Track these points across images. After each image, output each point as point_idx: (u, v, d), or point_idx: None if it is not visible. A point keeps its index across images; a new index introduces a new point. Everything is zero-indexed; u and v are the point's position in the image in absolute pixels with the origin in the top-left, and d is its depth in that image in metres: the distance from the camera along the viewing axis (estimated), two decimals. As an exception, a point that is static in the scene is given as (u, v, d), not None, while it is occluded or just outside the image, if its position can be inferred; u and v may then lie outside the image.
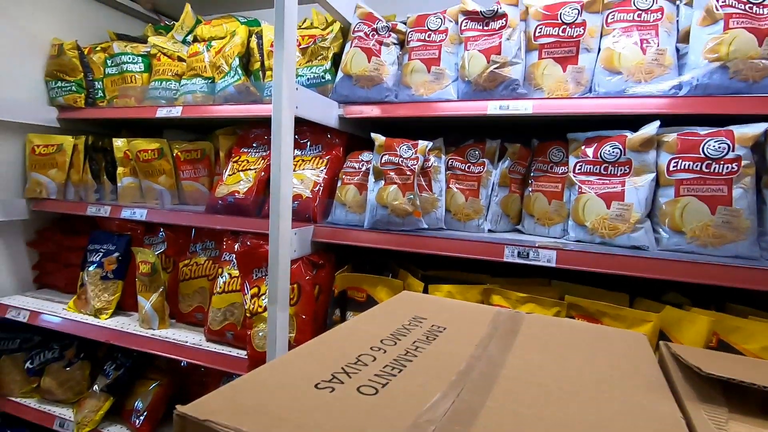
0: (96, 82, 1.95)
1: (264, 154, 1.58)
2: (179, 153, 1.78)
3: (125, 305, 1.66)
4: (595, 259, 1.05)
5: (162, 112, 1.68)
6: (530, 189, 1.36)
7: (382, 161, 1.30)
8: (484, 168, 1.36)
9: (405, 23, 1.48)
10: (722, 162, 1.04)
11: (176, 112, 1.65)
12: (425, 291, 1.17)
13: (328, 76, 1.50)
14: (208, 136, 1.86)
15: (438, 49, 1.38)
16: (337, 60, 1.52)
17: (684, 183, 1.08)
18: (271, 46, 1.67)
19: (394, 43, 1.45)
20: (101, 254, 1.63)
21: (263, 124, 1.55)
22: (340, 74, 1.43)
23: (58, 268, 1.86)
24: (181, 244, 1.64)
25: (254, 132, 1.64)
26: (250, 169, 1.53)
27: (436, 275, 1.25)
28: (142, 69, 1.93)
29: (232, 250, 1.44)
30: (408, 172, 1.27)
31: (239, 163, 1.56)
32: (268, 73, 1.67)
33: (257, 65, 1.69)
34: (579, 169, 1.23)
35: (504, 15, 1.27)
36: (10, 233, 1.83)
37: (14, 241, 1.84)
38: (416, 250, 1.20)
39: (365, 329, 0.71)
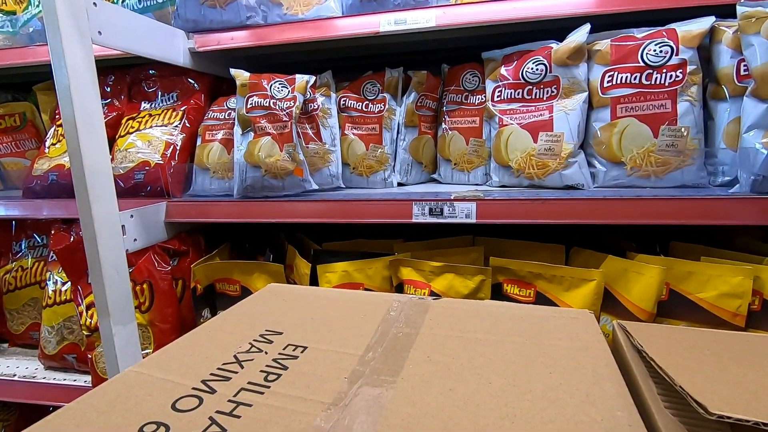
0: None
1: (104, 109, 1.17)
2: (-14, 121, 1.31)
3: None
4: (523, 207, 0.82)
5: (-58, 65, 1.19)
6: (444, 127, 1.10)
7: (249, 105, 0.97)
8: (385, 105, 1.07)
9: None
10: (665, 70, 0.83)
11: (-38, 62, 1.17)
12: (313, 273, 0.89)
13: (166, -5, 1.09)
14: (29, 94, 1.39)
15: (309, -54, 1.02)
16: (178, -28, 1.11)
17: (622, 101, 0.86)
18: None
19: (252, -57, 1.07)
20: None
21: (100, 67, 1.14)
22: (180, -10, 1.04)
23: None
24: (-2, 245, 1.22)
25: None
26: (78, 134, 1.12)
27: (329, 250, 0.97)
28: None
29: (57, 245, 1.06)
30: (285, 118, 0.96)
31: (63, 126, 1.14)
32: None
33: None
34: (498, 96, 0.98)
35: None
36: None
37: None
38: (297, 220, 0.91)
39: (177, 363, 0.43)
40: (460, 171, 1.07)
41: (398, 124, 1.09)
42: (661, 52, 0.84)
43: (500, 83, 0.97)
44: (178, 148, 1.07)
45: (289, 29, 1.01)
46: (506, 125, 0.95)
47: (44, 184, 1.09)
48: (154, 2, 1.09)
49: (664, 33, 0.85)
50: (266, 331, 0.51)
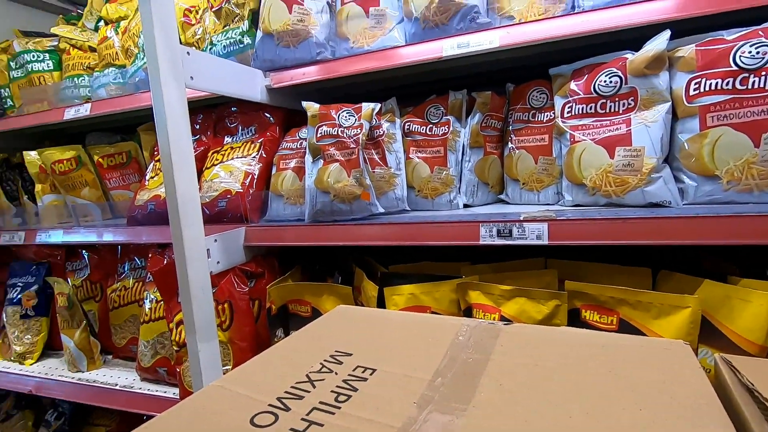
0: (1, 90, 1.68)
1: (194, 144, 1.30)
2: (100, 159, 1.51)
3: (56, 344, 1.41)
4: (600, 227, 0.77)
5: (70, 113, 1.41)
6: (510, 147, 1.07)
7: (319, 134, 1.02)
8: (449, 128, 1.08)
9: (332, -40, 1.18)
10: (764, 72, 0.75)
11: (85, 110, 1.38)
12: (380, 296, 0.90)
13: (247, 40, 1.21)
14: (134, 135, 1.59)
15: (374, -17, 1.08)
16: (256, 19, 1.22)
17: (712, 110, 0.79)
18: (184, 15, 1.39)
19: (321, -14, 1.15)
20: (19, 289, 1.39)
21: (191, 108, 1.29)
22: (259, 34, 1.14)
23: (-13, 308, 1.63)
24: (107, 267, 1.39)
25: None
26: (172, 167, 1.26)
27: (396, 272, 0.98)
28: (52, 67, 1.66)
29: (154, 267, 1.18)
30: (351, 145, 1.00)
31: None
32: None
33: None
34: (568, 112, 0.94)
35: None
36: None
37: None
38: (368, 243, 0.93)
39: (255, 380, 0.45)
40: (529, 191, 1.04)
41: (463, 145, 1.08)
42: (758, 53, 0.76)
43: (570, 99, 0.94)
44: (255, 177, 1.15)
45: (355, 61, 1.06)
46: (578, 141, 0.91)
47: (144, 213, 1.23)
48: (237, 47, 1.21)
49: (760, 33, 0.77)
50: (336, 352, 0.52)
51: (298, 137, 1.17)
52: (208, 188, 1.17)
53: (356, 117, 1.03)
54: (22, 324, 1.36)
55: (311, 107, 1.06)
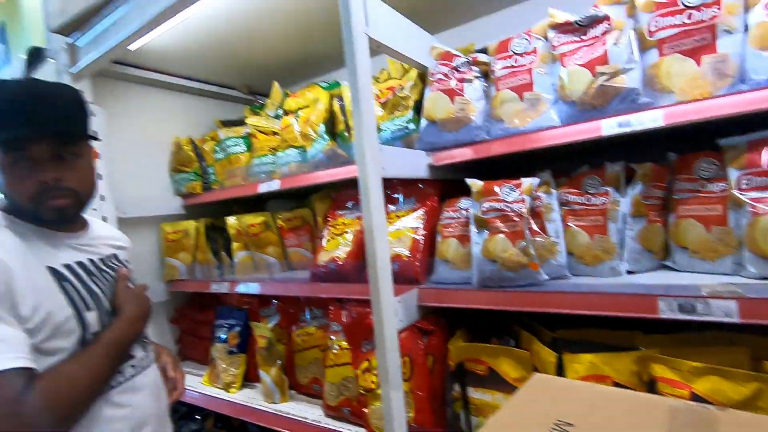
0: (209, 168, 2.16)
1: (359, 214, 1.55)
2: (282, 223, 1.85)
3: (251, 377, 1.72)
4: (803, 308, 0.76)
5: (263, 188, 1.77)
6: (676, 215, 1.08)
7: (483, 209, 1.16)
8: (608, 198, 1.13)
9: (485, 52, 1.35)
10: None
11: (275, 185, 1.72)
12: (559, 362, 0.96)
13: (411, 126, 1.43)
14: (306, 201, 1.92)
15: (528, 72, 1.22)
16: (418, 107, 1.44)
17: None
18: (353, 105, 1.68)
19: (477, 77, 1.33)
20: (225, 329, 1.73)
21: (354, 184, 1.54)
22: (423, 122, 1.35)
23: (195, 342, 2.04)
24: (291, 314, 1.67)
25: (347, 193, 1.63)
26: (347, 232, 1.50)
27: (568, 338, 1.04)
28: (245, 149, 2.09)
29: (338, 319, 1.40)
30: (515, 218, 1.11)
31: (336, 227, 1.55)
32: (353, 132, 1.66)
33: (342, 126, 1.70)
34: (747, 184, 0.94)
35: (605, 18, 1.07)
36: (155, 313, 2.07)
37: (159, 321, 2.07)
38: (539, 309, 1.02)
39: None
40: (701, 259, 1.03)
41: (623, 214, 1.13)
42: None
43: (748, 170, 0.94)
44: (421, 243, 1.32)
45: (513, 142, 1.19)
46: (762, 215, 0.90)
47: (325, 272, 1.48)
48: (403, 132, 1.44)
49: None
50: (558, 420, 0.61)
51: (458, 207, 1.32)
52: (380, 252, 1.37)
53: (518, 192, 1.15)
54: (228, 358, 1.69)
55: (475, 184, 1.20)
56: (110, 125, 1.89)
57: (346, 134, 1.68)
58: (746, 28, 0.97)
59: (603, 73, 1.06)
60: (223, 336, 1.73)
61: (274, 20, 1.77)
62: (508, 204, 1.13)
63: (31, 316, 0.79)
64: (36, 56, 1.97)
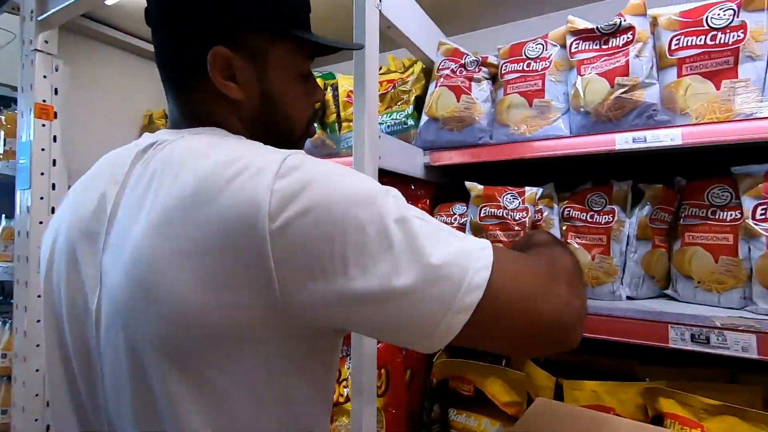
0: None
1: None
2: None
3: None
4: (827, 349, 0.70)
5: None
6: (682, 242, 1.03)
7: (482, 215, 1.07)
8: (613, 217, 1.07)
9: (496, 55, 1.29)
10: None
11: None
12: (557, 388, 0.87)
13: (410, 122, 1.34)
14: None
15: (541, 78, 1.16)
16: (419, 103, 1.36)
17: None
18: (347, 96, 1.58)
19: (486, 78, 1.26)
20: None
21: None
22: (424, 118, 1.26)
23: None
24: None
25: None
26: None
27: (568, 362, 0.95)
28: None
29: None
30: (516, 228, 1.03)
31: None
32: (344, 124, 1.56)
33: (333, 117, 1.59)
34: (762, 215, 0.90)
35: (630, 28, 1.02)
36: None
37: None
38: (537, 328, 0.92)
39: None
40: (706, 290, 0.97)
41: (628, 236, 1.06)
42: None
43: (765, 200, 0.90)
44: (408, 246, 1.22)
45: (522, 149, 1.12)
46: (778, 247, 0.85)
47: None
48: (400, 127, 1.34)
49: None
50: (578, 456, 0.51)
51: (452, 212, 1.23)
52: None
53: (520, 200, 1.07)
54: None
55: (475, 188, 1.12)
56: (75, 86, 1.70)
57: (336, 125, 1.57)
58: (770, 57, 0.95)
59: (622, 85, 1.00)
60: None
61: None
62: (509, 212, 1.05)
63: None
64: (-2, -1, 1.77)
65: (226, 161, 0.48)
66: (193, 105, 0.61)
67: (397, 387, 1.01)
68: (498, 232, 1.03)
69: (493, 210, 1.06)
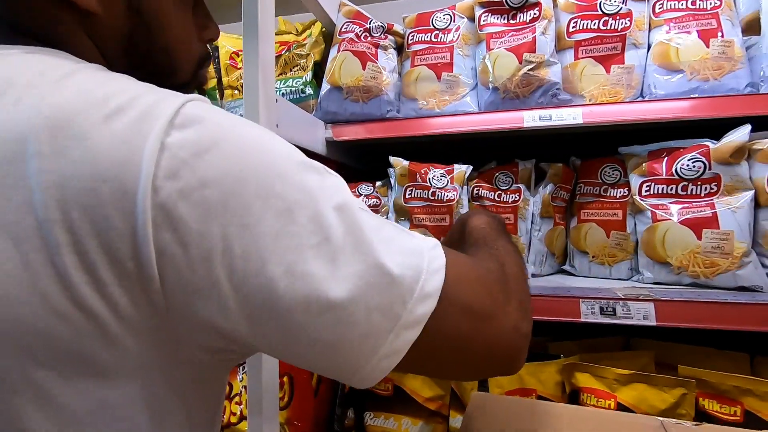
0: None
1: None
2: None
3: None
4: (709, 311, 0.76)
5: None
6: (577, 219, 1.08)
7: (407, 195, 0.98)
8: (519, 196, 1.07)
9: (401, 26, 1.20)
10: None
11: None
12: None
13: (309, 90, 1.18)
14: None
15: (449, 51, 1.10)
16: (318, 71, 1.20)
17: (798, 201, 0.83)
18: (230, 58, 1.34)
19: (392, 47, 1.16)
20: None
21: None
22: (325, 86, 1.11)
23: None
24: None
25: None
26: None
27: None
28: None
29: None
30: (443, 210, 0.95)
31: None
32: (227, 91, 1.32)
33: (213, 83, 1.34)
34: (647, 191, 0.97)
35: (537, 3, 1.01)
36: None
37: None
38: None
39: None
40: (599, 264, 1.03)
41: (532, 214, 1.07)
42: (835, 153, 0.82)
43: (649, 177, 0.97)
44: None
45: (432, 124, 1.05)
46: (661, 220, 0.92)
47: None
48: (298, 96, 1.17)
49: (834, 135, 0.84)
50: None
51: (357, 192, 1.12)
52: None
53: (448, 179, 1.00)
54: None
55: (399, 164, 1.02)
56: None
57: (217, 92, 1.33)
58: (649, 46, 1.02)
59: (529, 62, 0.99)
60: None
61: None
62: (438, 191, 0.97)
63: None
64: None
65: (99, 94, 0.29)
66: (24, 11, 0.37)
67: (302, 396, 0.87)
68: (423, 216, 0.95)
69: (419, 191, 0.97)
